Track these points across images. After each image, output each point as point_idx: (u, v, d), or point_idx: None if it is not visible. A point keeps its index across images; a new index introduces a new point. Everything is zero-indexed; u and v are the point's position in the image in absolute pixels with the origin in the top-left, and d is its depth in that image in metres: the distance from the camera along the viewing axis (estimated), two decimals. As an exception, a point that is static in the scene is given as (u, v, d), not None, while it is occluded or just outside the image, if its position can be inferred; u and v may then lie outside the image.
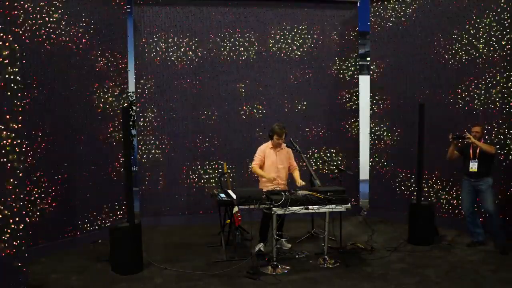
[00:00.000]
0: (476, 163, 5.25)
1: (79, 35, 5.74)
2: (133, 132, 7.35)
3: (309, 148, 7.17)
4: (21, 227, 3.84)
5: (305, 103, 7.18)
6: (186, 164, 6.90)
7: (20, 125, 3.87)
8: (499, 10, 5.88)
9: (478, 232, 5.43)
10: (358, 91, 7.38)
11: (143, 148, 6.81)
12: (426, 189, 6.53)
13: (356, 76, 7.35)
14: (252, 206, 4.56)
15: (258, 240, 5.25)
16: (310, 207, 4.65)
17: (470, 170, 5.29)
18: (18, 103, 3.87)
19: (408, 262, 4.95)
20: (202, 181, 6.95)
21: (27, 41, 5.12)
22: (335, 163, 7.22)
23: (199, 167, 6.94)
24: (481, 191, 5.26)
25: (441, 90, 6.46)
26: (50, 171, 5.41)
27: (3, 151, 3.77)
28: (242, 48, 6.99)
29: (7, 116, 3.79)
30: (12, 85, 3.83)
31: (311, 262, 4.94)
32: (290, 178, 5.46)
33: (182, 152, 6.89)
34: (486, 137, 5.85)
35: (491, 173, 5.29)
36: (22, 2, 5.04)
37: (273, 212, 4.55)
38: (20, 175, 3.88)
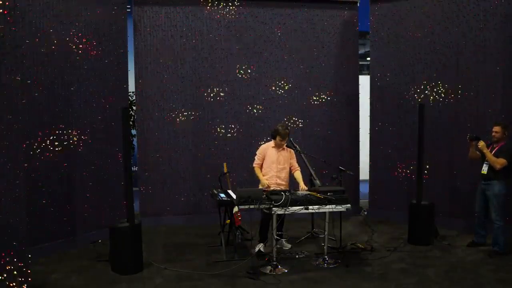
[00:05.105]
0: (487, 165, 5.14)
1: (79, 35, 5.73)
2: (133, 132, 7.34)
3: (309, 148, 7.16)
4: (21, 227, 3.84)
5: (304, 103, 7.17)
6: (186, 164, 6.90)
7: (20, 125, 3.87)
8: (499, 9, 5.88)
9: (481, 234, 5.41)
10: (358, 91, 7.37)
11: (143, 148, 6.80)
12: (426, 188, 6.51)
13: (356, 76, 7.35)
14: (252, 206, 4.56)
15: (258, 240, 5.25)
16: (310, 207, 4.65)
17: (481, 172, 5.21)
18: (18, 103, 3.86)
19: (408, 262, 4.96)
20: (202, 181, 6.95)
21: (27, 41, 5.12)
22: (335, 163, 7.20)
23: (199, 167, 6.93)
24: (488, 197, 5.17)
25: (442, 89, 6.46)
26: (50, 171, 5.41)
27: (3, 151, 3.77)
28: (242, 48, 6.98)
29: (7, 116, 3.79)
30: (12, 85, 3.83)
31: (311, 262, 4.94)
32: (291, 178, 5.46)
33: (182, 152, 6.88)
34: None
35: (502, 179, 5.09)
36: (22, 2, 5.02)
37: (273, 212, 4.56)
38: (20, 175, 3.88)
